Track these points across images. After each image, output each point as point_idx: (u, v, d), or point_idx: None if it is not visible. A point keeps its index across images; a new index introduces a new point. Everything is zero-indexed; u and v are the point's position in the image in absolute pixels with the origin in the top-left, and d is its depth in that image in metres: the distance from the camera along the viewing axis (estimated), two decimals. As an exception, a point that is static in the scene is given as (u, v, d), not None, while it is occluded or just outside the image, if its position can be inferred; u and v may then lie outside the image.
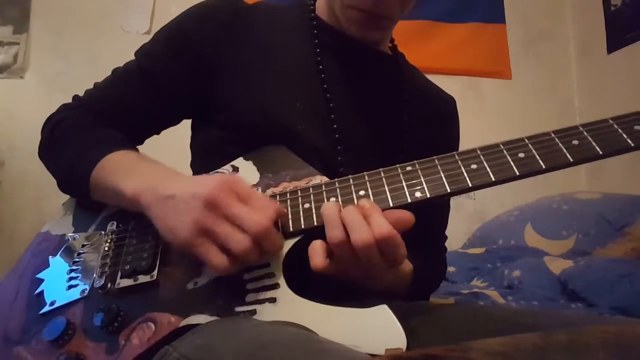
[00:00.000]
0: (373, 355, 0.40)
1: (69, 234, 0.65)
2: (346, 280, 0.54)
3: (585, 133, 0.51)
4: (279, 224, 0.54)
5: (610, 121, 0.52)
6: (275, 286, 0.52)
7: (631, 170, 2.03)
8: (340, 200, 0.55)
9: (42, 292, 0.61)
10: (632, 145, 0.50)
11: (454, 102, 0.87)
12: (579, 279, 1.17)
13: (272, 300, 0.51)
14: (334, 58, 0.72)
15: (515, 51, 2.44)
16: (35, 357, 0.55)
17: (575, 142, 0.51)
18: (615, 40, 2.21)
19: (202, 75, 0.69)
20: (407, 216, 0.51)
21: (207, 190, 0.49)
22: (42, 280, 0.62)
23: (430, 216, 0.79)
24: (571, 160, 0.50)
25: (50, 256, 0.65)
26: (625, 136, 0.50)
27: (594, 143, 0.50)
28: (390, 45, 0.81)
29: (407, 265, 0.69)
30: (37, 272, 0.63)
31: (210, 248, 0.49)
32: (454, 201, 0.85)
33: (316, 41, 0.72)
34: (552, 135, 0.52)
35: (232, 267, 0.49)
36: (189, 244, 0.50)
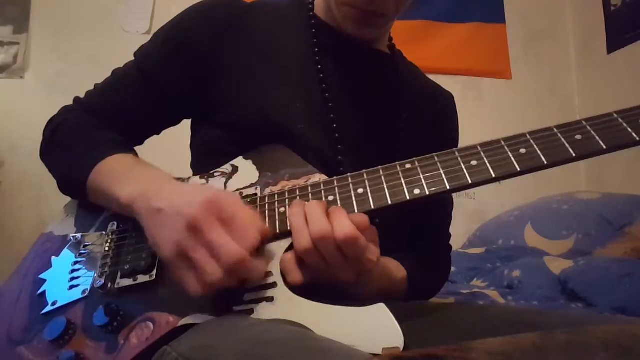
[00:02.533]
0: (374, 355, 0.40)
1: (71, 235, 0.65)
2: (330, 287, 0.54)
3: (588, 127, 0.50)
4: (276, 230, 0.54)
5: (615, 115, 0.50)
6: (273, 285, 0.52)
7: (631, 170, 2.03)
8: (338, 199, 0.54)
9: (44, 292, 0.61)
10: (637, 139, 0.48)
11: (452, 98, 0.87)
12: (579, 279, 1.17)
13: (270, 299, 0.51)
14: (332, 57, 0.72)
15: (515, 51, 2.44)
16: (36, 356, 0.55)
17: (578, 136, 0.50)
18: (615, 40, 2.21)
19: (201, 75, 0.69)
20: (362, 220, 0.51)
21: (191, 210, 0.48)
22: (44, 281, 0.63)
23: (432, 213, 0.79)
24: (574, 155, 0.49)
25: (53, 257, 0.65)
26: (630, 130, 0.48)
27: (597, 137, 0.49)
28: (388, 44, 0.81)
29: (400, 272, 0.69)
30: (39, 272, 0.64)
31: (187, 272, 0.48)
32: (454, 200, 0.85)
33: (314, 40, 0.72)
34: (555, 130, 0.51)
35: (207, 293, 0.48)
36: (169, 263, 0.50)
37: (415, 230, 0.78)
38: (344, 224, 0.49)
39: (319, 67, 0.71)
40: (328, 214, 0.51)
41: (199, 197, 0.49)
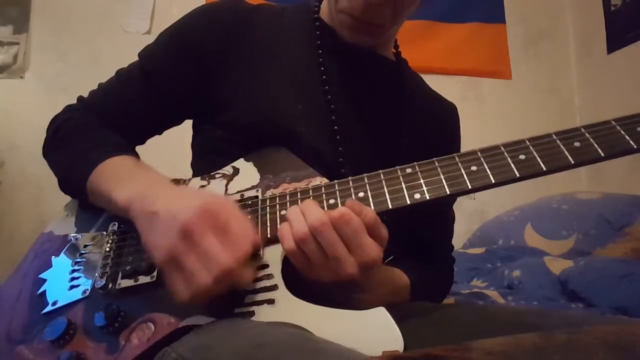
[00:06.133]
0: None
1: (72, 235, 0.65)
2: (336, 296, 0.53)
3: (587, 135, 0.51)
4: (277, 232, 0.54)
5: (613, 122, 0.51)
6: (274, 287, 0.52)
7: (631, 170, 2.03)
8: (339, 202, 0.55)
9: (44, 292, 0.61)
10: (635, 147, 0.49)
11: (455, 109, 0.87)
12: (579, 279, 1.17)
13: (270, 301, 0.51)
14: (335, 61, 0.72)
15: (515, 51, 2.44)
16: (36, 356, 0.55)
17: (577, 143, 0.51)
18: (615, 40, 2.21)
19: (204, 76, 0.69)
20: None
21: (185, 216, 0.48)
22: (44, 281, 0.62)
23: (434, 226, 0.79)
24: (572, 162, 0.50)
25: (53, 256, 0.65)
26: (627, 138, 0.49)
27: (595, 145, 0.50)
28: (394, 50, 0.81)
29: (403, 278, 0.69)
30: (40, 272, 0.64)
31: (177, 278, 0.49)
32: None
33: (318, 42, 0.72)
34: (554, 137, 0.52)
35: (195, 299, 0.48)
36: (161, 266, 0.50)
37: (418, 243, 0.78)
38: (337, 208, 0.50)
39: (322, 69, 0.71)
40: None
41: (194, 203, 0.50)
